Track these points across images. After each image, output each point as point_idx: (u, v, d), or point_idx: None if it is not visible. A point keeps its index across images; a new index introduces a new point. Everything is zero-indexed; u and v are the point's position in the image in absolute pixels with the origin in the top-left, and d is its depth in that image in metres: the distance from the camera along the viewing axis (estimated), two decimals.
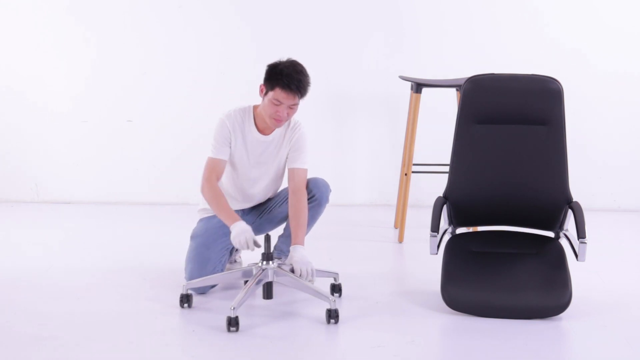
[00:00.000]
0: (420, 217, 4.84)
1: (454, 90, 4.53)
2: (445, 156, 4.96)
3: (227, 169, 3.57)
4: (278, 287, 3.52)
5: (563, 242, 3.51)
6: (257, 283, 3.27)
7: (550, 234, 3.56)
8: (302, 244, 3.41)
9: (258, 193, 3.65)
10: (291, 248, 3.41)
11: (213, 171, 3.47)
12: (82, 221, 4.84)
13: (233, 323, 3.11)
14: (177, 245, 4.35)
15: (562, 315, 3.29)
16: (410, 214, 4.86)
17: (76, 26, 5.14)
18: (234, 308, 3.11)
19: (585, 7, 5.01)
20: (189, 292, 3.39)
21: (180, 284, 3.43)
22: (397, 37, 5.07)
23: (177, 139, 5.22)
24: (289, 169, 3.55)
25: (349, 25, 5.09)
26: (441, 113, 5.00)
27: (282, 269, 3.31)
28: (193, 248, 3.56)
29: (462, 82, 4.18)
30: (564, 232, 3.48)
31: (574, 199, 3.42)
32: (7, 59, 5.20)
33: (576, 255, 3.29)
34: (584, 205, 3.43)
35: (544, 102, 3.36)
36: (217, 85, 5.16)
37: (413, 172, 4.43)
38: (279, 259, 3.64)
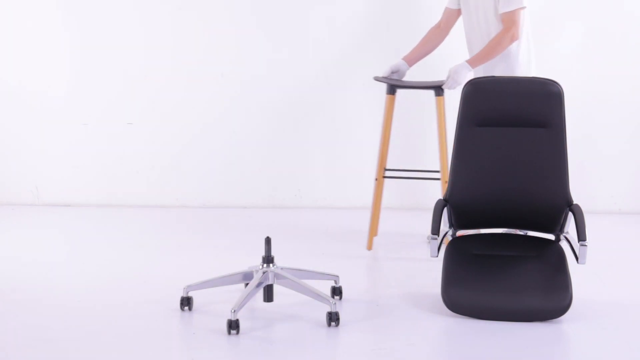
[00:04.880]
0: (420, 219, 4.84)
1: (432, 92, 4.33)
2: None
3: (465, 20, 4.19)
4: (278, 289, 3.52)
5: (563, 244, 3.50)
6: (258, 286, 3.27)
7: (551, 237, 3.56)
8: (469, 62, 4.02)
9: (478, 40, 4.13)
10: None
11: (442, 17, 4.31)
12: (82, 224, 4.84)
13: (234, 326, 3.11)
14: (177, 247, 4.35)
15: (562, 317, 3.28)
16: (410, 216, 4.86)
17: (77, 29, 5.14)
18: (234, 311, 3.11)
19: (584, 7, 5.00)
20: (189, 294, 3.39)
21: (181, 287, 3.43)
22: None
23: (177, 142, 5.21)
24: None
25: (349, 24, 5.09)
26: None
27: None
28: None
29: (437, 84, 4.13)
30: (564, 234, 3.48)
31: (575, 202, 3.42)
32: (6, 60, 5.20)
33: (577, 258, 3.29)
34: (584, 207, 3.43)
35: (545, 105, 3.36)
36: (217, 87, 5.16)
37: (385, 177, 4.29)
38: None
